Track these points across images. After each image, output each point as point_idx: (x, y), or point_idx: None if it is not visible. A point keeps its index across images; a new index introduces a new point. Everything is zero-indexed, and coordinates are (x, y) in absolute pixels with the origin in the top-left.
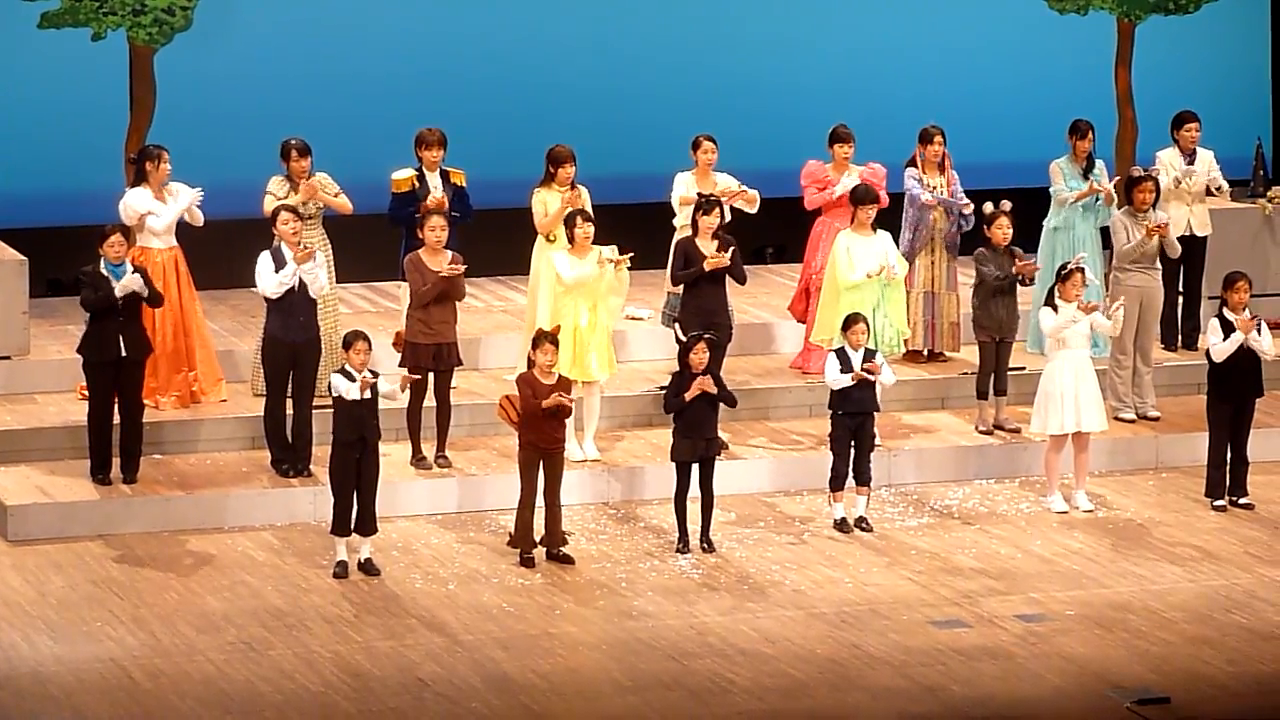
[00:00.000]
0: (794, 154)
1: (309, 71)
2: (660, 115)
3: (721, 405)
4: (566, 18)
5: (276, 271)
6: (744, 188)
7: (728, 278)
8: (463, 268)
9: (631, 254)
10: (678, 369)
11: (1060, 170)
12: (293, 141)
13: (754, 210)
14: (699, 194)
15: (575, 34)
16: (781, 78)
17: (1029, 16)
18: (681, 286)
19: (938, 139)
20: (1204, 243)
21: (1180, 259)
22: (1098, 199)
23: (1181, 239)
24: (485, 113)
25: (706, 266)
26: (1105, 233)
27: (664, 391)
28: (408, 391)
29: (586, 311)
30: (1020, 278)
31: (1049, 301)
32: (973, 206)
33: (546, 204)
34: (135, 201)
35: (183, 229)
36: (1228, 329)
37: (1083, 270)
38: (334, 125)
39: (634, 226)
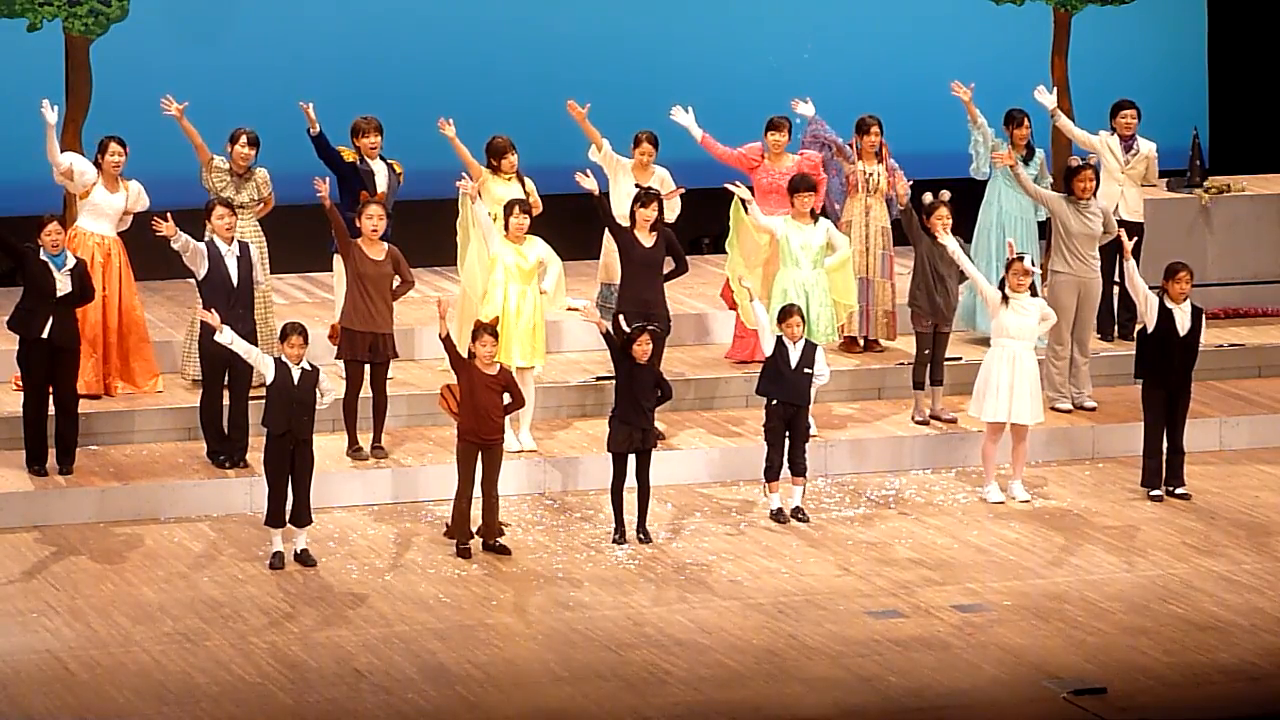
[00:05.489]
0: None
1: (245, 61)
2: (598, 104)
3: (659, 397)
4: (505, 6)
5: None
6: (676, 186)
7: (665, 268)
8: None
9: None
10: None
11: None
12: (245, 130)
13: (672, 212)
14: (637, 186)
15: (515, 24)
16: (718, 67)
17: (966, 6)
18: (617, 277)
19: (874, 129)
20: (1139, 230)
21: (1115, 247)
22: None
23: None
24: (422, 103)
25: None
26: (1044, 226)
27: (599, 380)
28: (343, 382)
29: (515, 297)
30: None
31: (1002, 291)
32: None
33: (491, 192)
34: (75, 160)
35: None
36: (1165, 318)
37: (1020, 258)
38: (271, 115)
39: (573, 217)
